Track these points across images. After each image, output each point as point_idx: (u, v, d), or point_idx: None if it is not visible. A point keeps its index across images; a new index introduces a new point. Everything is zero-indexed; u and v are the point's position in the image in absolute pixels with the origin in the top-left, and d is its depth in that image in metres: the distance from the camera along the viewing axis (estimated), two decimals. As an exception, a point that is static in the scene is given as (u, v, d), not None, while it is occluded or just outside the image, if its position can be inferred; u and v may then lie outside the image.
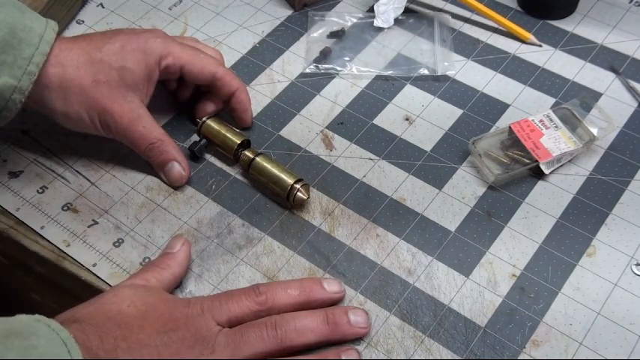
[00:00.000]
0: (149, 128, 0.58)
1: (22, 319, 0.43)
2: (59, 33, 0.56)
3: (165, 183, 0.60)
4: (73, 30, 0.72)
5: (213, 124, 0.61)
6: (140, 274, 0.51)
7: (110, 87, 0.56)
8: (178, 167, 0.59)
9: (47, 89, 0.55)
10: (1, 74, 0.52)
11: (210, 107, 0.63)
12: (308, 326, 0.49)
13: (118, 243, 0.56)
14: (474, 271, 0.54)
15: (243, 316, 0.49)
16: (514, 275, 0.54)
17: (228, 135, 0.60)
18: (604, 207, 0.58)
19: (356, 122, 0.64)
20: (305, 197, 0.57)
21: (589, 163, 0.61)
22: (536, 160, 0.58)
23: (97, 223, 0.57)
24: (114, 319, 0.46)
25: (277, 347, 0.48)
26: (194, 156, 0.61)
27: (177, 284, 0.53)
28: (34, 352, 0.40)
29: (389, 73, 0.68)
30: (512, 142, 0.61)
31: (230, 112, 0.63)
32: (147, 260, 0.55)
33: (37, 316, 0.43)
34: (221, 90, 0.61)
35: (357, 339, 0.50)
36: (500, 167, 0.60)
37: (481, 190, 0.59)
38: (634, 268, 0.54)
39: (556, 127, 0.60)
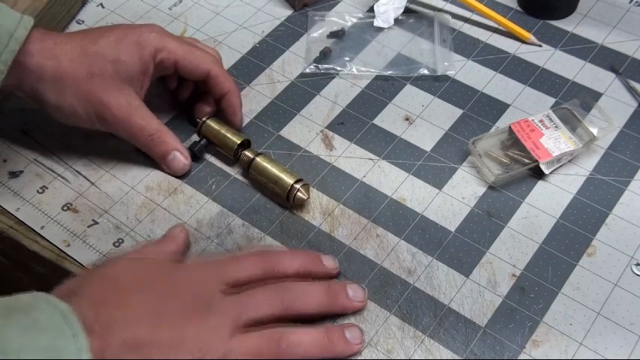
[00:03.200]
0: (146, 120, 0.58)
1: (21, 297, 0.42)
2: (62, 29, 0.56)
3: (167, 173, 0.60)
4: (73, 30, 0.72)
5: (213, 124, 0.61)
6: (137, 250, 0.51)
7: (105, 80, 0.56)
8: (180, 156, 0.59)
9: (42, 82, 0.55)
10: None
11: (208, 107, 0.63)
12: (312, 295, 0.49)
13: (118, 243, 0.56)
14: (473, 271, 0.54)
15: (247, 280, 0.49)
16: (514, 275, 0.54)
17: (228, 135, 0.60)
18: (604, 207, 0.58)
19: (356, 122, 0.64)
20: (305, 197, 0.57)
21: (589, 163, 0.61)
22: (536, 160, 0.58)
23: (97, 223, 0.57)
24: (110, 288, 0.45)
25: (282, 313, 0.48)
26: (194, 156, 0.61)
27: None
28: (36, 327, 0.39)
29: (389, 73, 0.68)
30: (512, 142, 0.61)
31: (220, 113, 0.63)
32: (147, 260, 0.55)
33: (35, 292, 0.43)
34: (213, 89, 0.61)
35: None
36: (500, 167, 0.60)
37: (481, 190, 0.59)
38: (634, 268, 0.54)
39: (556, 127, 0.60)
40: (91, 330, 0.41)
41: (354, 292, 0.51)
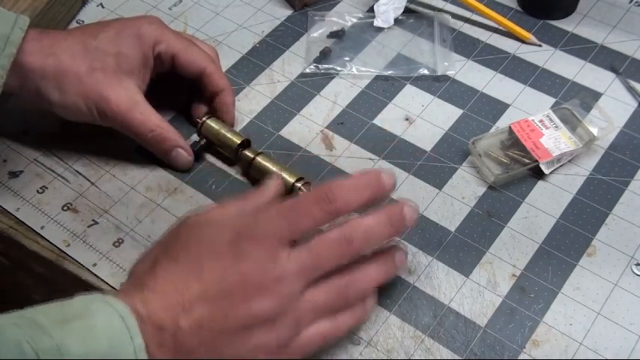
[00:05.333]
0: (147, 115, 0.57)
1: (80, 300, 0.42)
2: (63, 30, 0.55)
3: (170, 170, 0.60)
4: (73, 30, 0.72)
5: (213, 124, 0.61)
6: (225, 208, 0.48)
7: (106, 73, 0.56)
8: (183, 153, 0.59)
9: (43, 80, 0.55)
10: None
11: (206, 107, 0.62)
12: (376, 233, 0.46)
13: (118, 243, 0.56)
14: (473, 271, 0.54)
15: (312, 228, 0.46)
16: (514, 275, 0.54)
17: (229, 135, 0.60)
18: (604, 207, 0.58)
19: (356, 122, 0.64)
20: (305, 197, 0.57)
21: (589, 163, 0.61)
22: (536, 160, 0.58)
23: (97, 223, 0.57)
24: (170, 272, 0.43)
25: (349, 260, 0.46)
26: (194, 156, 0.61)
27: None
28: (93, 333, 0.39)
29: (389, 73, 0.68)
30: (512, 142, 0.61)
31: (213, 111, 0.62)
32: (147, 260, 0.55)
33: (94, 294, 0.42)
34: (207, 87, 0.61)
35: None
36: (500, 167, 0.60)
37: (481, 190, 0.59)
38: (634, 268, 0.54)
39: (556, 127, 0.60)
40: (160, 321, 0.41)
41: (411, 214, 0.48)
